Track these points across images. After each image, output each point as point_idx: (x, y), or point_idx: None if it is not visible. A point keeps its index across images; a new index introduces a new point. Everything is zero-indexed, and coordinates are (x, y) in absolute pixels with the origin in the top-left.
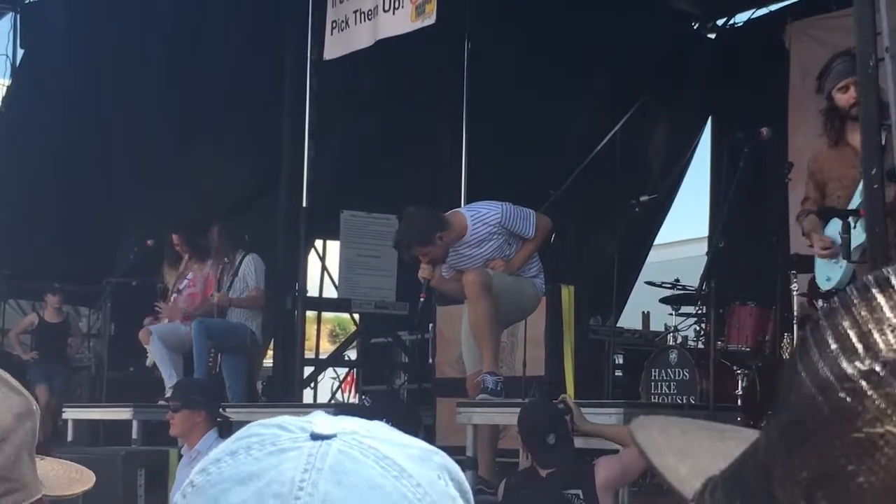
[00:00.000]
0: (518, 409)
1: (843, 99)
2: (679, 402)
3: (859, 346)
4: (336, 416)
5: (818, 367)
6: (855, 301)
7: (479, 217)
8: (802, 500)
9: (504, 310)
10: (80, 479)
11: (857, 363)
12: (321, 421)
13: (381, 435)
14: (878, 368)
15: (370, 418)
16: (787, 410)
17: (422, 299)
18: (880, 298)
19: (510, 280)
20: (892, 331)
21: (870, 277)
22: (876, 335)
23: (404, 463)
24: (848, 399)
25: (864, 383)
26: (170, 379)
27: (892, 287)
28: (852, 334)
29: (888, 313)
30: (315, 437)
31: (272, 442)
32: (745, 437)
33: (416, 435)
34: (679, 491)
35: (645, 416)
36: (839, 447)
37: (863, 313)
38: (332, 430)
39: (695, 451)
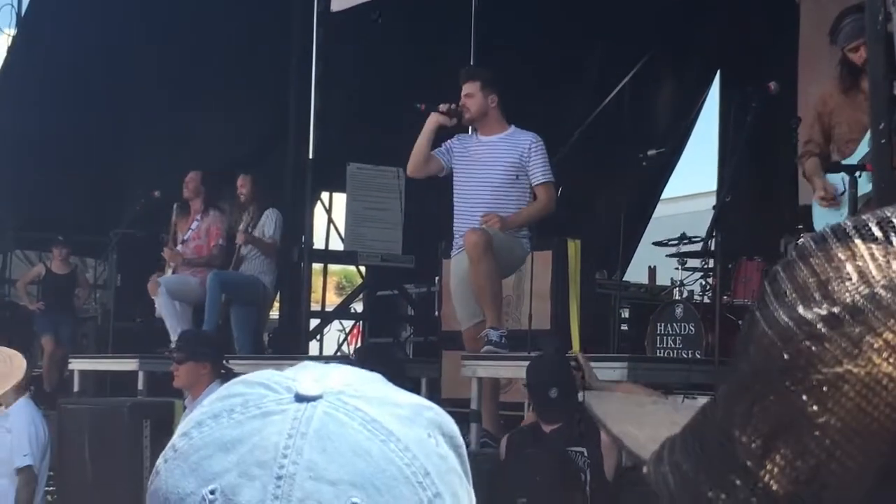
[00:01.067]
0: (523, 363)
1: (856, 58)
2: (684, 356)
3: (817, 294)
4: (326, 366)
5: (777, 315)
6: (813, 251)
7: (518, 130)
8: (761, 451)
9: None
10: (9, 372)
11: (816, 309)
12: (307, 378)
13: (369, 393)
14: (836, 311)
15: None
16: (746, 361)
17: (420, 107)
18: (837, 249)
19: (502, 238)
20: (849, 279)
21: (827, 229)
22: (834, 283)
23: (392, 425)
24: (807, 343)
25: (823, 327)
26: (173, 331)
27: (850, 239)
28: (811, 283)
29: (846, 262)
30: (300, 398)
31: (256, 404)
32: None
33: (401, 379)
34: (638, 454)
35: (599, 392)
36: (800, 391)
37: (821, 263)
38: (319, 389)
39: (651, 420)
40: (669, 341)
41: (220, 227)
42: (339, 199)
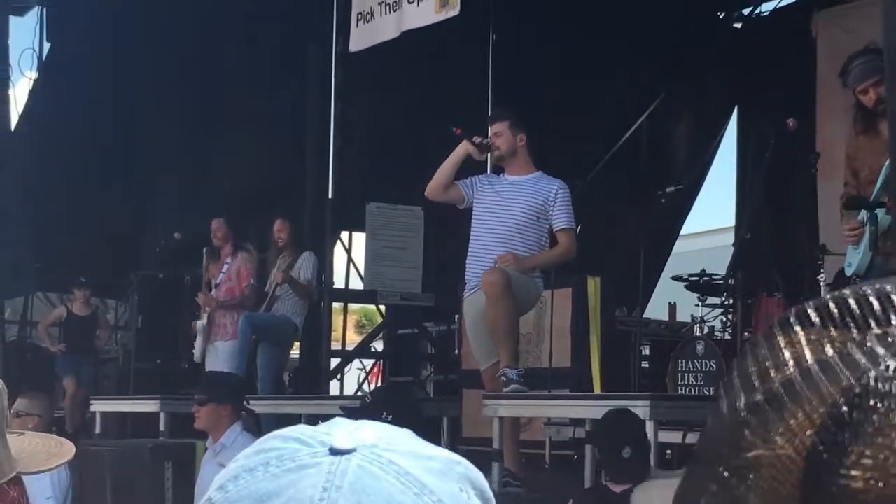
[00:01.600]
0: (544, 402)
1: (866, 100)
2: (706, 393)
3: (756, 382)
4: (357, 422)
5: (721, 404)
6: (761, 342)
7: (545, 176)
8: None
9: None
10: (59, 452)
11: (751, 397)
12: (340, 432)
13: (402, 447)
14: (760, 399)
15: (371, 414)
16: (700, 450)
17: (456, 131)
18: (779, 337)
19: (517, 278)
20: (783, 366)
21: (792, 313)
22: (770, 371)
23: (425, 478)
24: (738, 430)
25: (748, 414)
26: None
27: (791, 326)
28: (753, 372)
29: (784, 350)
30: (334, 451)
31: (291, 457)
32: None
33: (417, 429)
34: None
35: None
36: (730, 476)
37: (765, 352)
38: (352, 442)
39: None
40: (691, 378)
41: (250, 268)
42: (359, 239)
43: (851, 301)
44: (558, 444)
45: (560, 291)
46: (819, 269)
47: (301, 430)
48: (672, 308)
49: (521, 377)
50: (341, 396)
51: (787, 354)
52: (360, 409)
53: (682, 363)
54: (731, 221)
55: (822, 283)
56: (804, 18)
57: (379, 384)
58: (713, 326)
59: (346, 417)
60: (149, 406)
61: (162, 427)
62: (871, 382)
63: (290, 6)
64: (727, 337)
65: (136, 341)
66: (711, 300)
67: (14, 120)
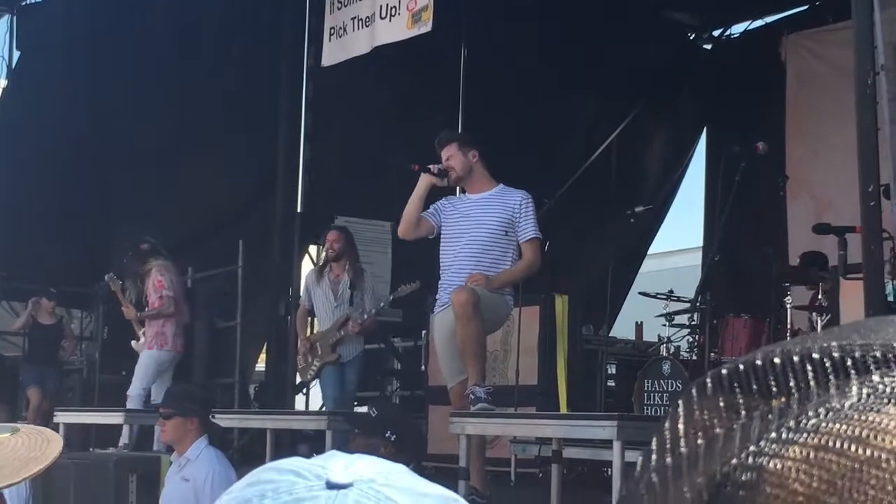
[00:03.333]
0: (511, 420)
1: None
2: None
3: (652, 457)
4: (352, 456)
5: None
6: (675, 405)
7: (508, 189)
8: None
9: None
10: (40, 456)
11: (644, 472)
12: (337, 466)
13: (398, 483)
14: (649, 477)
15: (376, 429)
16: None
17: (414, 167)
18: (678, 408)
19: (487, 296)
20: (662, 449)
21: (696, 382)
22: (656, 452)
23: None
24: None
25: (641, 486)
26: None
27: (689, 400)
28: (654, 443)
29: (675, 424)
30: (331, 485)
31: (287, 490)
32: None
33: (420, 448)
34: None
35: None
36: None
37: (667, 424)
38: (349, 477)
39: None
40: (657, 398)
41: (163, 278)
42: None
43: (758, 365)
44: (524, 462)
45: (527, 309)
46: (786, 291)
47: (296, 462)
48: (639, 327)
49: (489, 395)
50: (307, 411)
51: (668, 435)
52: (365, 423)
53: (648, 383)
54: (700, 242)
55: (788, 305)
56: (774, 41)
57: (382, 399)
58: (680, 346)
59: (353, 428)
60: (113, 418)
61: (126, 439)
62: (732, 471)
63: (262, 20)
64: (694, 357)
65: (101, 352)
66: (679, 320)
67: None
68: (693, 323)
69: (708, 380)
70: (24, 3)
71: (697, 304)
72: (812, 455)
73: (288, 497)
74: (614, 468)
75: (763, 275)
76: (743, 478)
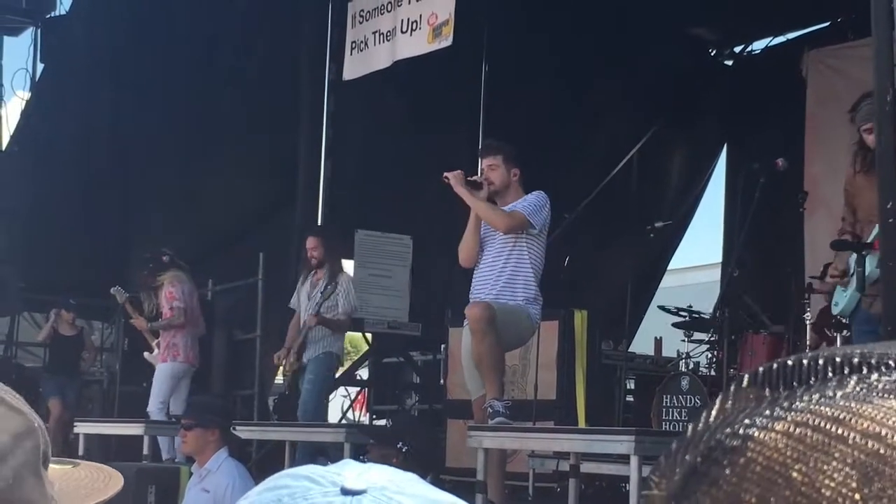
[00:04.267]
0: (529, 434)
1: (870, 140)
2: None
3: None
4: (365, 465)
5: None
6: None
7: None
8: None
9: (501, 339)
10: (103, 488)
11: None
12: (351, 473)
13: (410, 490)
14: (673, 446)
15: (389, 440)
16: None
17: (446, 179)
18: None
19: (508, 310)
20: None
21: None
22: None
23: None
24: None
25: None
26: None
27: (732, 389)
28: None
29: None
30: (345, 491)
31: (303, 496)
32: None
33: (435, 460)
34: None
35: None
36: None
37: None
38: (363, 484)
39: None
40: (675, 413)
41: (174, 289)
42: (348, 266)
43: (788, 364)
44: (542, 477)
45: (546, 324)
46: (805, 308)
47: (311, 469)
48: (658, 343)
49: (507, 409)
50: (325, 423)
51: (700, 418)
52: (380, 435)
53: (666, 398)
54: (719, 258)
55: (807, 321)
56: (795, 58)
57: (399, 411)
58: (699, 362)
59: (370, 440)
60: (133, 429)
61: (146, 450)
62: (724, 438)
63: (284, 34)
64: (712, 373)
65: (121, 363)
66: (697, 336)
67: (5, 139)
68: (712, 339)
69: (745, 376)
70: (47, 17)
71: (716, 319)
72: (793, 429)
73: (304, 502)
74: (632, 483)
75: (782, 291)
76: (731, 443)
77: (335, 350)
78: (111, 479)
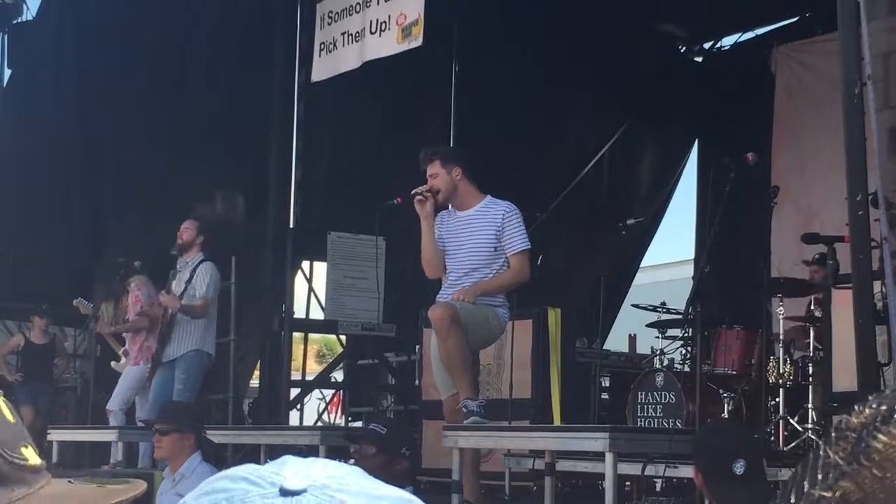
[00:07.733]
0: (504, 433)
1: None
2: (665, 425)
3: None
4: (306, 460)
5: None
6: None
7: (494, 201)
8: None
9: (468, 339)
10: (125, 489)
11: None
12: (290, 472)
13: (353, 487)
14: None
15: (393, 446)
16: None
17: (397, 201)
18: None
19: (474, 309)
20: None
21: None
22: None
23: None
24: None
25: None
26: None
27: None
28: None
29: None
30: (285, 492)
31: (241, 499)
32: None
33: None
34: None
35: None
36: None
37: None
38: (303, 483)
39: None
40: (650, 410)
41: (140, 293)
42: (320, 268)
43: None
44: (518, 476)
45: (520, 323)
46: (777, 302)
47: (250, 469)
48: (632, 340)
49: (481, 408)
50: (301, 427)
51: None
52: (382, 440)
53: (641, 395)
54: (692, 254)
55: (780, 316)
56: (764, 53)
57: (391, 416)
58: (673, 359)
59: (373, 448)
60: (106, 436)
61: (119, 456)
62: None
63: (253, 37)
64: (686, 369)
65: (94, 370)
66: (671, 332)
67: None
68: (686, 335)
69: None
70: (14, 22)
71: (688, 315)
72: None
73: None
74: (607, 480)
75: (754, 286)
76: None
77: (206, 348)
78: (136, 485)
